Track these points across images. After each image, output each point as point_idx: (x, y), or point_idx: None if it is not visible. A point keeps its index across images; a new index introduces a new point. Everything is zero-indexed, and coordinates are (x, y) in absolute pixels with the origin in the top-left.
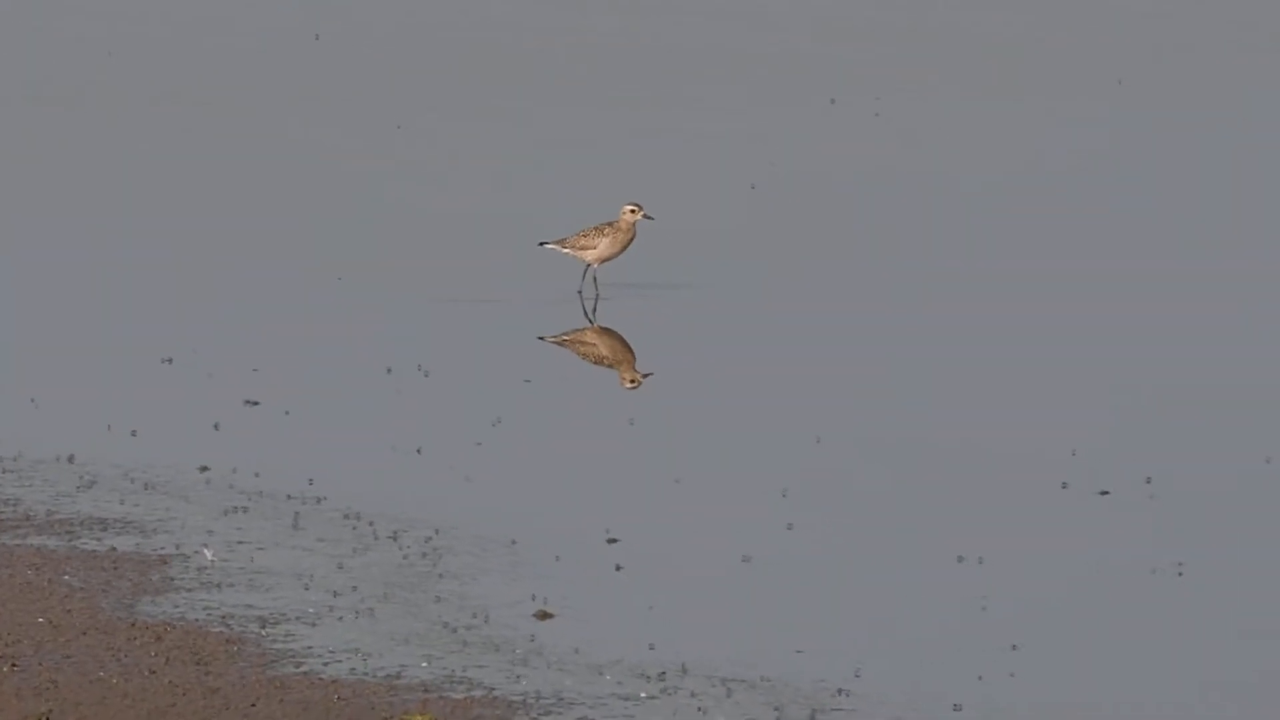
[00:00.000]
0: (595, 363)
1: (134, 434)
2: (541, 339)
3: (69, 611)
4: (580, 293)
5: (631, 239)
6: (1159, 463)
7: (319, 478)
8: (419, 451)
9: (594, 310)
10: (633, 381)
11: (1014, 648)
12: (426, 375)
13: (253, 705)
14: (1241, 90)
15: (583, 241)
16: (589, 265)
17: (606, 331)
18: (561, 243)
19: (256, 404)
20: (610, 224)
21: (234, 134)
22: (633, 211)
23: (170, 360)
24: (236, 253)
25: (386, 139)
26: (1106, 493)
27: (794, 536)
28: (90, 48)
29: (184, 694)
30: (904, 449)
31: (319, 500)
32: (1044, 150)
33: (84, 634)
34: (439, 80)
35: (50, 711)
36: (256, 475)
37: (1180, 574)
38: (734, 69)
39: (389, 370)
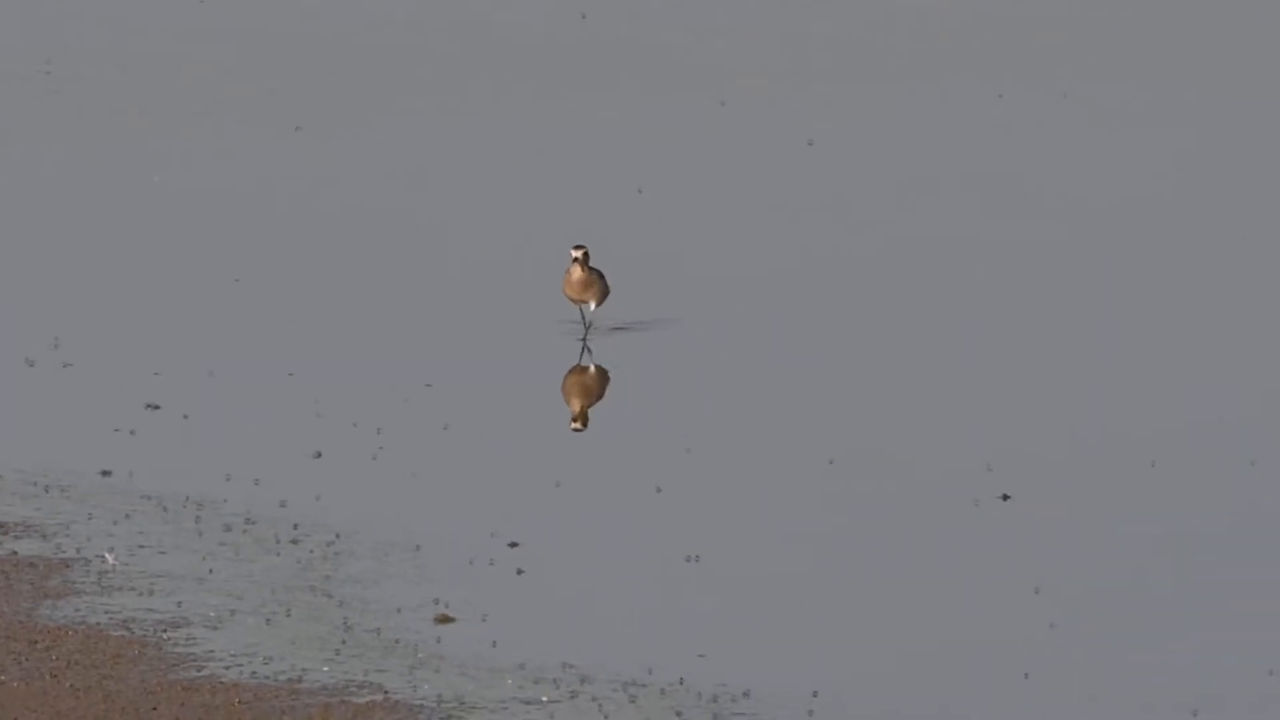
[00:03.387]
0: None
1: (33, 440)
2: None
3: None
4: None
5: (572, 280)
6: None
7: (220, 482)
8: (319, 455)
9: (584, 345)
10: (581, 425)
11: (902, 653)
12: (320, 381)
13: (154, 709)
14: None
15: None
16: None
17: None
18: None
19: (158, 408)
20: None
21: (138, 136)
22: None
23: (70, 365)
24: (138, 254)
25: (287, 140)
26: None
27: (694, 540)
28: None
29: (85, 698)
30: (831, 461)
31: (221, 504)
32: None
33: None
34: (341, 81)
35: None
36: (157, 479)
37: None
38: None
39: (290, 374)
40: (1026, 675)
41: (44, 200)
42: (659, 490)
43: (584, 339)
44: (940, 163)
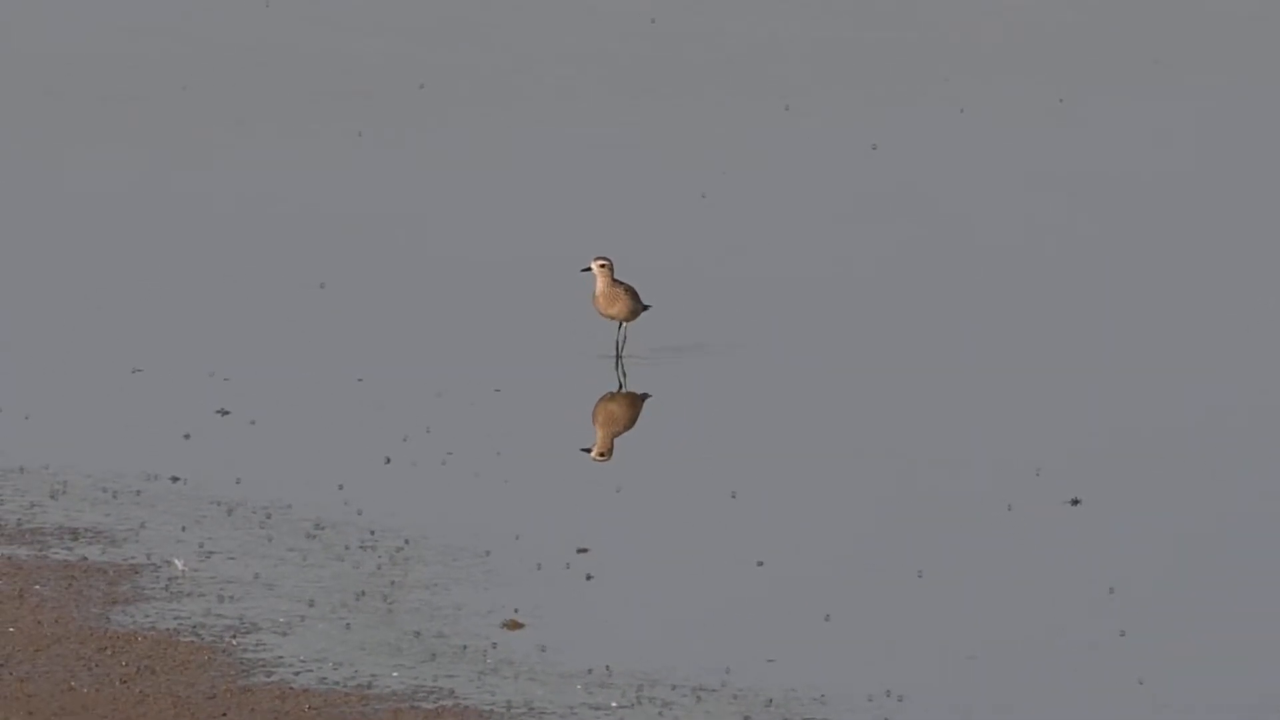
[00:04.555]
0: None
1: (107, 443)
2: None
3: (40, 622)
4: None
5: (598, 293)
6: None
7: (289, 487)
8: (388, 461)
9: (618, 368)
10: (601, 455)
11: (971, 658)
12: (395, 385)
13: (223, 715)
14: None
15: None
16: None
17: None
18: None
19: (227, 413)
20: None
21: (198, 140)
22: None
23: (140, 370)
24: (207, 261)
25: (349, 147)
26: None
27: (765, 548)
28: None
29: (155, 704)
30: (890, 471)
31: (290, 509)
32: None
33: (55, 643)
34: (408, 87)
35: None
36: (227, 485)
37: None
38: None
39: (359, 380)
40: (1100, 682)
41: (112, 210)
42: (733, 495)
43: (618, 358)
44: (1003, 163)
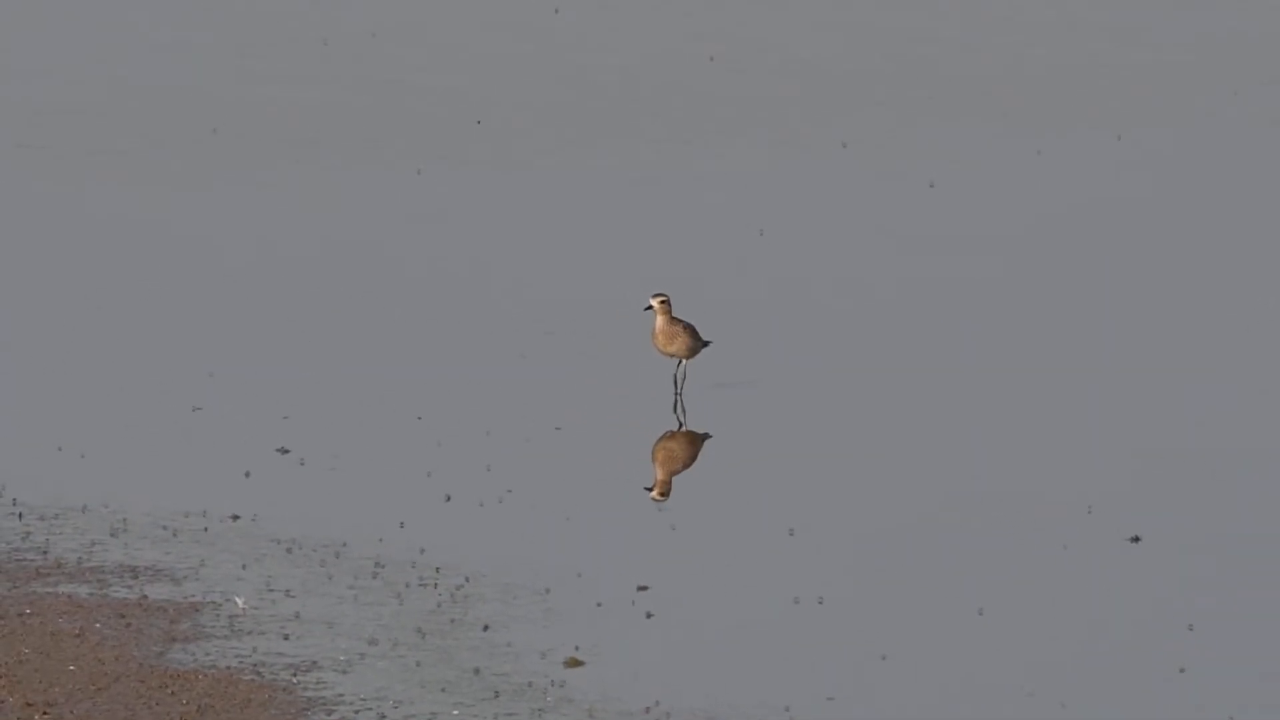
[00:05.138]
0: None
1: (164, 481)
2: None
3: (100, 660)
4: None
5: (657, 330)
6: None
7: (349, 525)
8: (448, 499)
9: (677, 407)
10: (661, 495)
11: (1030, 694)
12: (456, 424)
13: None
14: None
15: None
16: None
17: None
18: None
19: (287, 451)
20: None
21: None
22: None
23: (200, 409)
24: (269, 301)
25: (409, 181)
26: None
27: (825, 586)
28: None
29: None
30: (942, 502)
31: (349, 547)
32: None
33: (115, 682)
34: (463, 124)
35: None
36: (287, 523)
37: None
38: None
39: (419, 418)
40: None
41: (169, 246)
42: (791, 533)
43: (677, 396)
44: (1060, 202)
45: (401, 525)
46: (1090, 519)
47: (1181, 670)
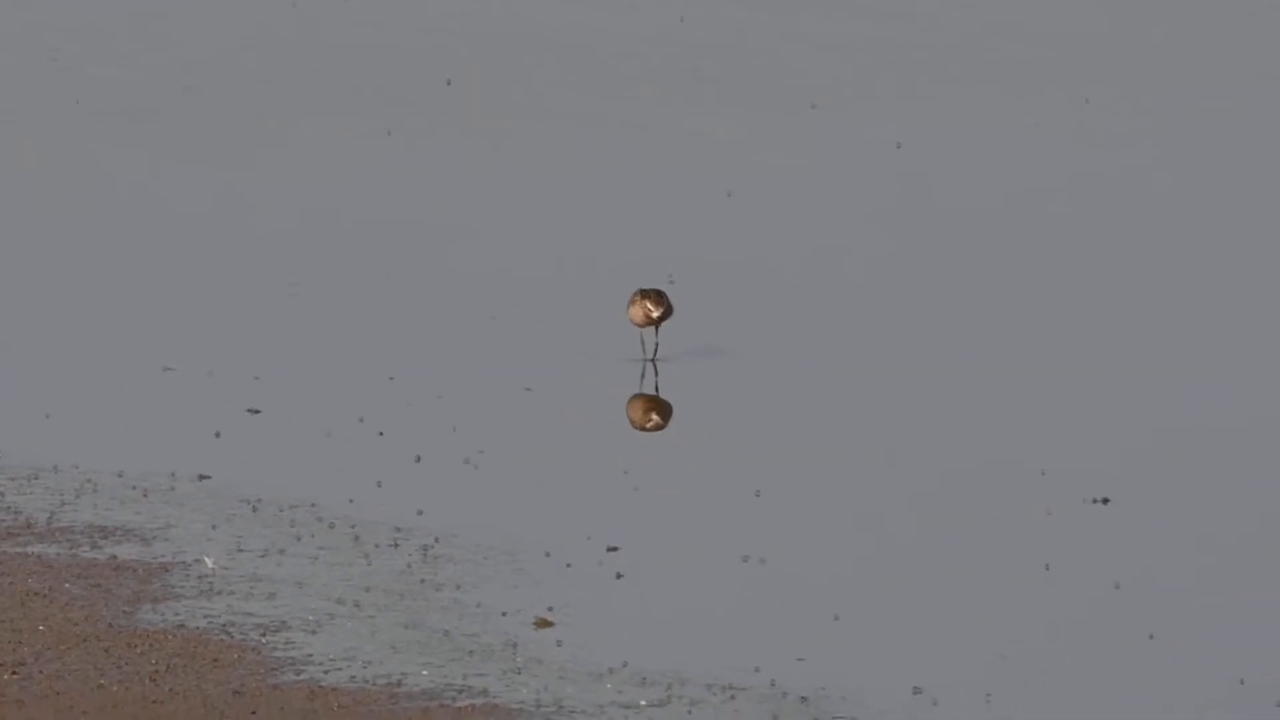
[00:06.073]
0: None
1: (133, 441)
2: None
3: (70, 619)
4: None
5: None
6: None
7: (318, 486)
8: (418, 460)
9: (646, 372)
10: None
11: (1001, 657)
12: (423, 384)
13: (253, 713)
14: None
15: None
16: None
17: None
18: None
19: (258, 412)
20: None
21: (229, 138)
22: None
23: (171, 368)
24: (240, 261)
25: (379, 143)
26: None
27: (794, 543)
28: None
29: (184, 702)
30: (916, 466)
31: (319, 508)
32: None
33: (85, 641)
34: (438, 87)
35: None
36: (256, 483)
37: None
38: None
39: (390, 378)
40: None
41: (144, 211)
42: (758, 494)
43: (651, 360)
44: (1028, 167)
45: (369, 487)
46: (1065, 489)
47: (1151, 636)
